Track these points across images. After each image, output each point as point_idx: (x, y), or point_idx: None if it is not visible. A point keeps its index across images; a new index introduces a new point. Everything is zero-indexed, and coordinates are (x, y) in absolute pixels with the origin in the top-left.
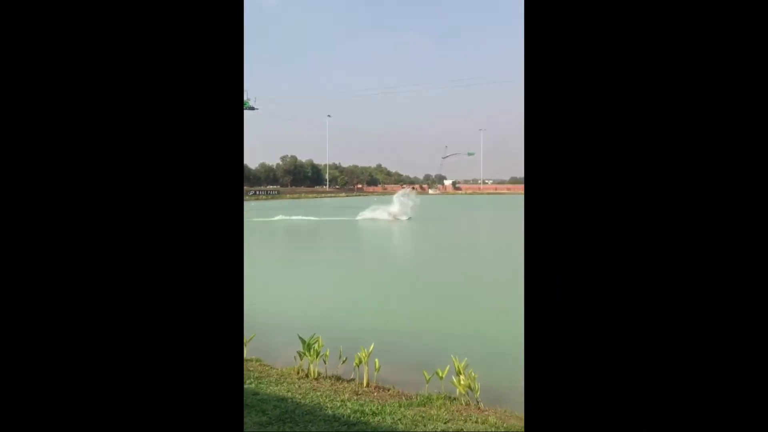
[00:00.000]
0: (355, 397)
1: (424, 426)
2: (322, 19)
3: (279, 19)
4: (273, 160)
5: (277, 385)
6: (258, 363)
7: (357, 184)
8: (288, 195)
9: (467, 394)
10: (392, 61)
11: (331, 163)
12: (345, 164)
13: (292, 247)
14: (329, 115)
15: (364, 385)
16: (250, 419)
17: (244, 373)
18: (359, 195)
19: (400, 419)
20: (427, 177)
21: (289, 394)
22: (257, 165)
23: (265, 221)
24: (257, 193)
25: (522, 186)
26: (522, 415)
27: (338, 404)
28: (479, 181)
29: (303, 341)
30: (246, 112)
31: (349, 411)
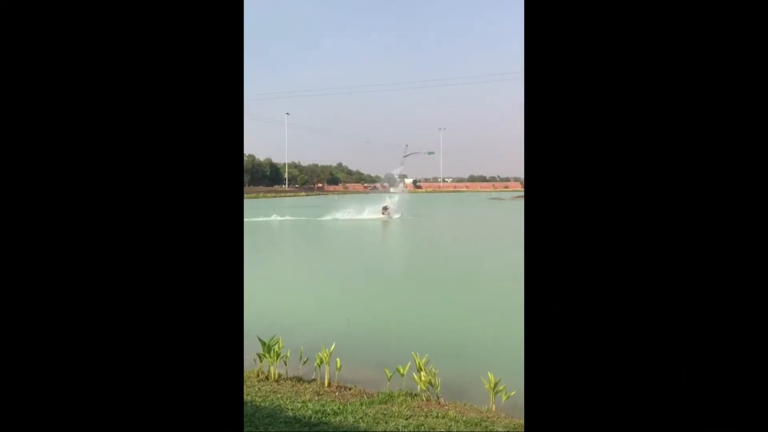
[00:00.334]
0: (316, 398)
1: (386, 423)
2: (284, 17)
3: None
4: None
5: None
6: None
7: (317, 183)
8: (246, 195)
9: (428, 389)
10: (353, 61)
11: (290, 162)
12: (305, 163)
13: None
14: (288, 113)
15: (326, 385)
16: None
17: None
18: (319, 194)
19: (361, 417)
20: (388, 175)
21: (249, 397)
22: None
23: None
24: None
25: (479, 184)
26: (481, 407)
27: (299, 405)
28: (439, 180)
29: (263, 343)
30: None
31: (310, 412)
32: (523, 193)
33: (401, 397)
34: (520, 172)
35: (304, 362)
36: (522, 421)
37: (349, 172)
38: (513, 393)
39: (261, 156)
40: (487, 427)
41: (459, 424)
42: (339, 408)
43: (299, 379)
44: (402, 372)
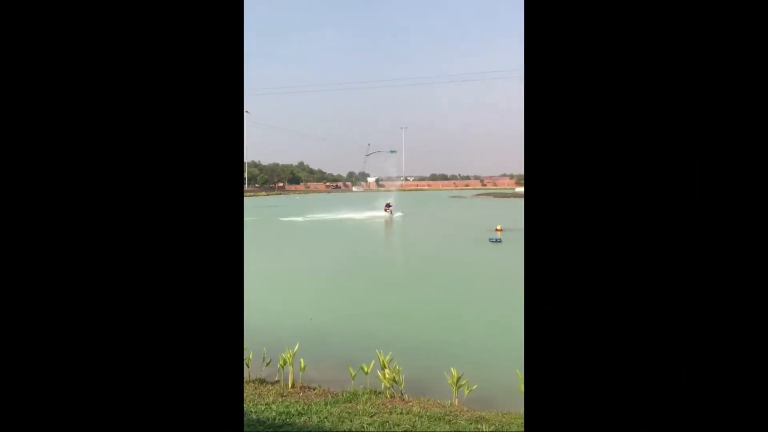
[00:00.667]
0: (280, 399)
1: (351, 422)
2: (246, 13)
3: None
4: None
5: None
6: None
7: (278, 182)
8: None
9: (392, 387)
10: (315, 60)
11: (250, 161)
12: (265, 162)
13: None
14: (248, 111)
15: (290, 386)
16: None
17: None
18: (280, 194)
19: (326, 417)
20: (351, 174)
21: None
22: None
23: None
24: None
25: (441, 182)
26: (445, 401)
27: (263, 408)
28: (401, 178)
29: None
30: None
31: (274, 414)
32: (481, 191)
33: (366, 396)
34: (480, 171)
35: (267, 364)
36: (484, 413)
37: (311, 171)
38: (475, 387)
39: None
40: (450, 420)
41: (423, 419)
42: (303, 408)
43: (262, 381)
44: (366, 370)
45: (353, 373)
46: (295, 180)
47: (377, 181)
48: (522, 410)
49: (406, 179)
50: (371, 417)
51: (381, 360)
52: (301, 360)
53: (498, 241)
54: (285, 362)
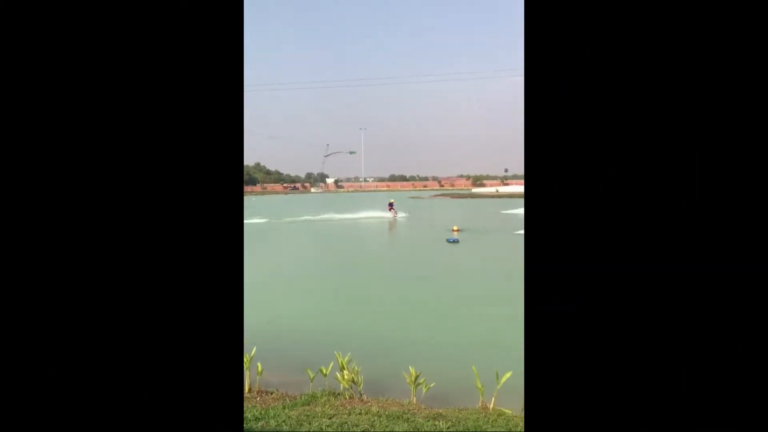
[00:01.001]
0: None
1: (309, 424)
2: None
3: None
4: None
5: None
6: None
7: None
8: None
9: (351, 388)
10: (272, 58)
11: None
12: None
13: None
14: None
15: (247, 390)
16: None
17: None
18: None
19: (284, 421)
20: (309, 175)
21: None
22: None
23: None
24: None
25: (400, 183)
26: (403, 400)
27: None
28: (360, 179)
29: None
30: None
31: None
32: (439, 192)
33: (324, 398)
34: (438, 172)
35: None
36: (441, 410)
37: (268, 172)
38: (433, 384)
39: None
40: (408, 418)
41: (381, 418)
42: (261, 413)
43: None
44: (325, 372)
45: (312, 376)
46: (251, 181)
47: (336, 182)
48: (478, 404)
49: (365, 180)
50: (330, 419)
51: (340, 361)
52: (258, 364)
53: (455, 241)
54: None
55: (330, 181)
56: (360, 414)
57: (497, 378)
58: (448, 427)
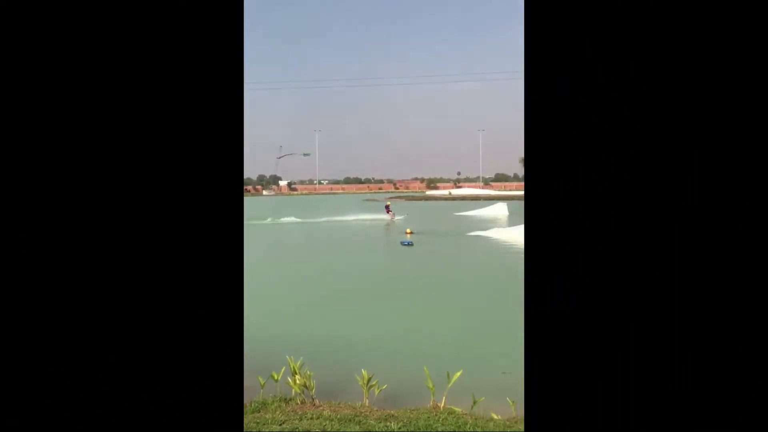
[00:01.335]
0: None
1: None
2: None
3: None
4: None
5: None
6: None
7: None
8: None
9: (303, 393)
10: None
11: None
12: None
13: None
14: None
15: None
16: None
17: None
18: None
19: None
20: (261, 178)
21: None
22: None
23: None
24: None
25: (355, 186)
26: (355, 403)
27: None
28: (315, 182)
29: None
30: None
31: None
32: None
33: (275, 404)
34: (393, 174)
35: None
36: (393, 411)
37: None
38: (385, 386)
39: None
40: (360, 421)
41: (333, 422)
42: None
43: None
44: (276, 378)
45: (263, 382)
46: None
47: (289, 184)
48: (429, 404)
49: (319, 182)
50: (280, 425)
51: (291, 366)
52: None
53: (409, 244)
54: None
55: (283, 183)
56: (311, 419)
57: (448, 377)
58: (400, 428)
